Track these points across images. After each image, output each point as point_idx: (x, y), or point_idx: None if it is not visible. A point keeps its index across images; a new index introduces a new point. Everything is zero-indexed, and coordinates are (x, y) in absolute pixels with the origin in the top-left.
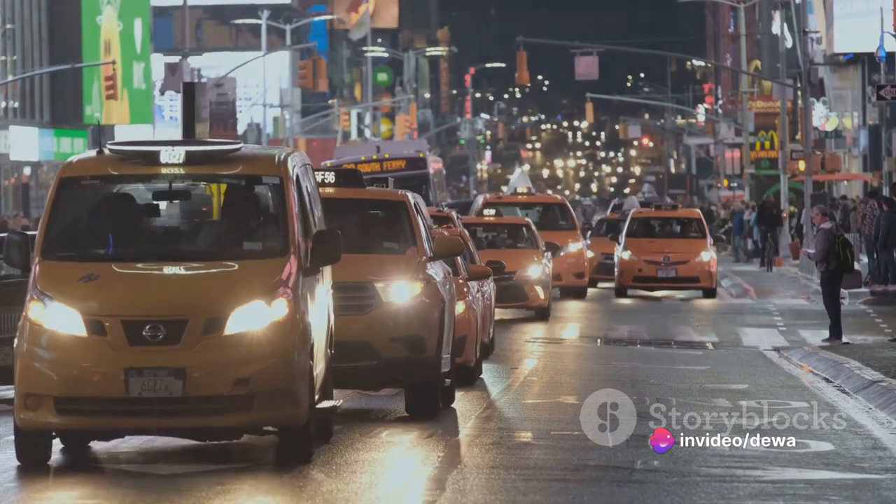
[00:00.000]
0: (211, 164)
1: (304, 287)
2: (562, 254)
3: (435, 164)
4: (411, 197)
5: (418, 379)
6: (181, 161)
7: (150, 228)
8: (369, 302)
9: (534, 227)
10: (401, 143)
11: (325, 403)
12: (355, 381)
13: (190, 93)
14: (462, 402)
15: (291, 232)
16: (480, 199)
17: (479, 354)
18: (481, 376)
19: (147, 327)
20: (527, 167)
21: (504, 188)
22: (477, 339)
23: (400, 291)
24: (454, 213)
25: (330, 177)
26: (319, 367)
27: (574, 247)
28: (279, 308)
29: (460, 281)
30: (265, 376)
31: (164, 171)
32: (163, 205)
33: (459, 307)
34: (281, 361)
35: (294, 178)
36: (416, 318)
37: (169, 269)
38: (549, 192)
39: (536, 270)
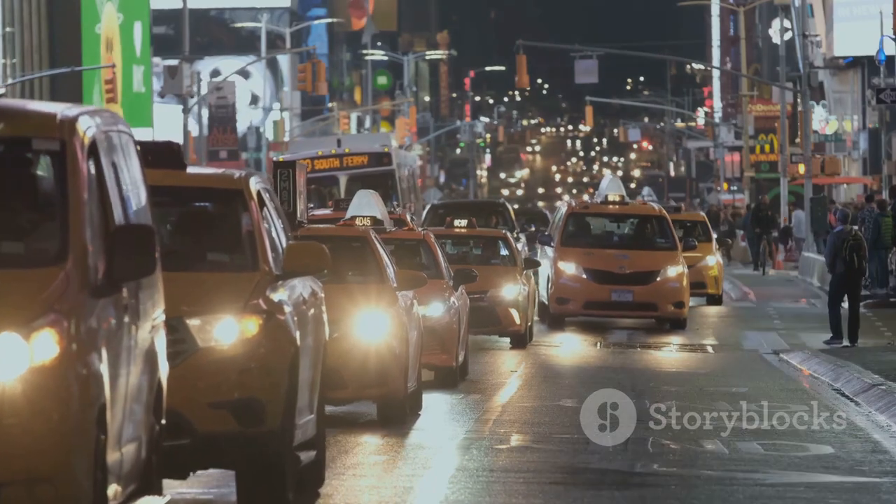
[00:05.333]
0: None
1: (94, 314)
2: (658, 279)
3: (404, 162)
4: (255, 184)
5: (254, 462)
6: None
7: None
8: (180, 348)
9: (512, 241)
10: (365, 137)
11: (144, 501)
12: (159, 465)
13: None
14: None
15: (74, 227)
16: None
17: (413, 383)
18: (419, 412)
19: None
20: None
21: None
22: (411, 363)
23: (226, 331)
24: (408, 215)
25: None
26: (129, 447)
27: (672, 271)
28: (44, 346)
29: (386, 291)
30: (17, 458)
31: None
32: None
33: (383, 323)
34: (44, 433)
35: (87, 145)
36: (249, 373)
37: None
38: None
39: (512, 291)
